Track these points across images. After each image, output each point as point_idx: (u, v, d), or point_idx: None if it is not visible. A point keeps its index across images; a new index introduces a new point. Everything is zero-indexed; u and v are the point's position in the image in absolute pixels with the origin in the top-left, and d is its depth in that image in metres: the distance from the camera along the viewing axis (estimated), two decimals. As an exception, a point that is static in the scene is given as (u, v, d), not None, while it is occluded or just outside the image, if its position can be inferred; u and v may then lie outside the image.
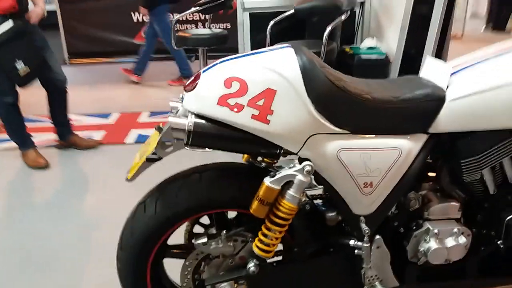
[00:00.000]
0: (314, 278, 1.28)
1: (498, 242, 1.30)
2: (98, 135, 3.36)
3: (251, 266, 1.21)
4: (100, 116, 3.83)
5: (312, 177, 1.16)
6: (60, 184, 2.62)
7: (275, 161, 1.44)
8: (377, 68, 3.04)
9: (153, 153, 1.15)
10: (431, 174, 1.34)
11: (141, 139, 3.30)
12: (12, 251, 1.96)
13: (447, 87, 1.18)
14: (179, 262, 1.33)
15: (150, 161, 1.15)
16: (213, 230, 1.34)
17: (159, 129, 1.22)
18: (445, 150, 1.24)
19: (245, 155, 1.47)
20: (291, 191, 1.13)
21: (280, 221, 1.15)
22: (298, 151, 1.13)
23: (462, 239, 1.25)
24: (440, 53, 2.42)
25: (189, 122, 1.10)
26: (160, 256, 1.32)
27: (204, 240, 1.26)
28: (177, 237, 1.31)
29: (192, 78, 1.17)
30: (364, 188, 1.18)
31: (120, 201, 2.39)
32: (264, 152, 1.16)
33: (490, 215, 1.30)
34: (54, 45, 2.97)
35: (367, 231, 1.19)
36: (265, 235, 1.18)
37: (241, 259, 1.28)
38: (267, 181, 1.12)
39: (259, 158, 1.46)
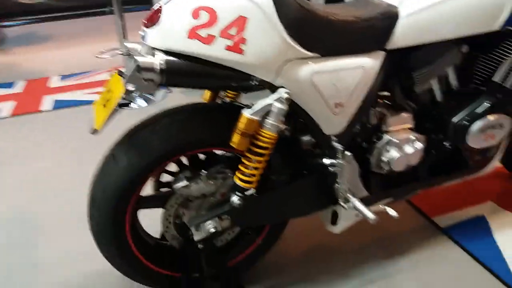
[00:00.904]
0: (292, 201, 1.34)
1: (446, 143, 1.46)
2: (7, 107, 3.00)
3: (235, 199, 1.22)
4: (3, 87, 3.39)
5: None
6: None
7: (236, 97, 1.44)
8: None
9: (123, 98, 1.07)
10: (383, 93, 1.43)
11: (59, 105, 3.03)
12: None
13: (400, 4, 1.24)
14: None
15: (122, 106, 1.07)
16: (187, 174, 1.32)
17: (121, 73, 1.14)
18: (399, 66, 1.32)
19: (207, 95, 1.44)
20: (270, 120, 1.14)
21: (261, 150, 1.17)
22: (274, 80, 1.13)
23: (419, 145, 1.38)
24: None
25: (160, 60, 1.04)
26: (135, 208, 1.27)
27: (184, 182, 1.23)
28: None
29: (152, 12, 1.09)
30: (335, 108, 1.22)
31: (57, 168, 2.21)
32: (238, 85, 1.14)
33: (439, 120, 1.44)
34: None
35: (340, 149, 1.25)
36: (246, 167, 1.19)
37: (222, 195, 1.29)
38: (246, 113, 1.12)
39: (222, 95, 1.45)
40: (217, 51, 1.06)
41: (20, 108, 3.01)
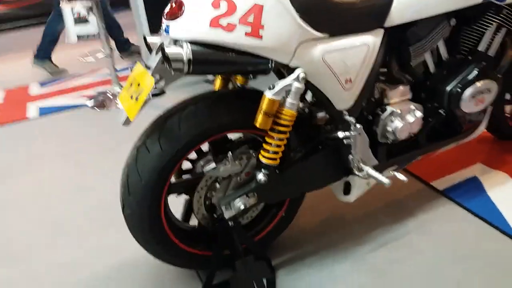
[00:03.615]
0: (311, 175, 1.43)
1: (441, 111, 1.59)
2: (-10, 117, 2.98)
3: (260, 176, 1.30)
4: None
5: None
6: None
7: (248, 81, 1.52)
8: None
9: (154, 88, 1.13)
10: (382, 69, 1.54)
11: (45, 111, 3.03)
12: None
13: (394, -17, 1.35)
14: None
15: (156, 95, 1.13)
16: (210, 157, 1.39)
17: (147, 66, 1.20)
18: (397, 41, 1.43)
19: (217, 83, 1.52)
20: (290, 99, 1.23)
21: (283, 128, 1.26)
22: (290, 62, 1.21)
23: (418, 113, 1.50)
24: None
25: (187, 50, 1.11)
26: (167, 194, 1.34)
27: (213, 165, 1.31)
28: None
29: (173, 6, 1.15)
30: (345, 84, 1.32)
31: (61, 172, 2.24)
32: (255, 69, 1.22)
33: (433, 90, 1.57)
34: None
35: (353, 121, 1.36)
36: (270, 145, 1.28)
37: (247, 174, 1.37)
38: (269, 94, 1.20)
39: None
40: (238, 38, 1.13)
41: (5, 117, 2.99)
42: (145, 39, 1.25)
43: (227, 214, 1.34)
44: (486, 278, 1.40)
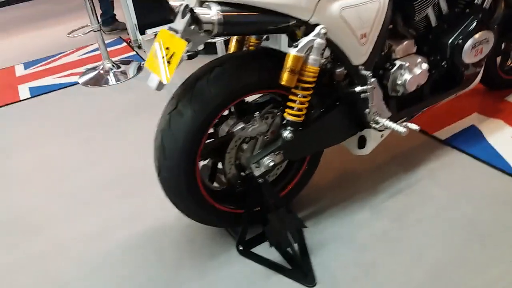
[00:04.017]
0: (331, 130, 1.50)
1: (443, 63, 1.68)
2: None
3: (287, 133, 1.36)
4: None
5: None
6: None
7: (260, 43, 1.56)
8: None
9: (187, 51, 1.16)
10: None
11: (37, 91, 2.97)
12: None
13: None
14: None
15: (191, 57, 1.17)
16: (231, 122, 1.43)
17: (172, 30, 1.22)
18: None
19: (233, 46, 1.55)
20: (312, 55, 1.28)
21: (307, 85, 1.31)
22: (310, 18, 1.26)
23: (425, 65, 1.58)
24: None
25: (217, 11, 1.14)
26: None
27: (242, 125, 1.36)
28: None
29: None
30: (361, 39, 1.38)
31: (62, 150, 2.24)
32: (276, 28, 1.26)
33: (435, 43, 1.65)
34: None
35: (370, 75, 1.42)
36: (294, 102, 1.33)
37: (272, 133, 1.43)
38: (293, 51, 1.25)
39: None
40: None
41: (-3, 100, 2.94)
42: (167, 2, 1.26)
43: (257, 172, 1.39)
44: (495, 213, 1.52)
